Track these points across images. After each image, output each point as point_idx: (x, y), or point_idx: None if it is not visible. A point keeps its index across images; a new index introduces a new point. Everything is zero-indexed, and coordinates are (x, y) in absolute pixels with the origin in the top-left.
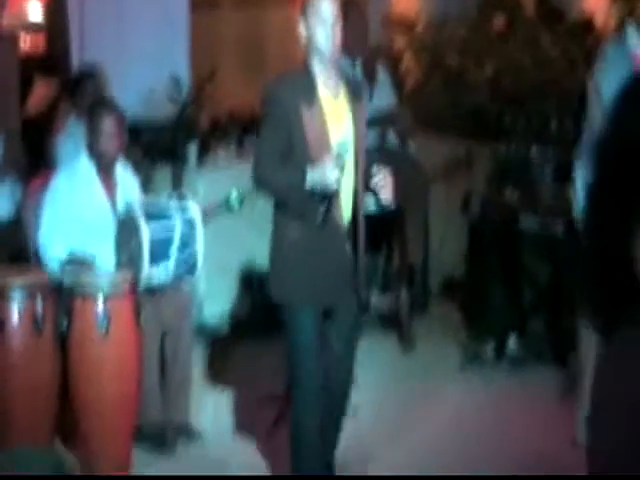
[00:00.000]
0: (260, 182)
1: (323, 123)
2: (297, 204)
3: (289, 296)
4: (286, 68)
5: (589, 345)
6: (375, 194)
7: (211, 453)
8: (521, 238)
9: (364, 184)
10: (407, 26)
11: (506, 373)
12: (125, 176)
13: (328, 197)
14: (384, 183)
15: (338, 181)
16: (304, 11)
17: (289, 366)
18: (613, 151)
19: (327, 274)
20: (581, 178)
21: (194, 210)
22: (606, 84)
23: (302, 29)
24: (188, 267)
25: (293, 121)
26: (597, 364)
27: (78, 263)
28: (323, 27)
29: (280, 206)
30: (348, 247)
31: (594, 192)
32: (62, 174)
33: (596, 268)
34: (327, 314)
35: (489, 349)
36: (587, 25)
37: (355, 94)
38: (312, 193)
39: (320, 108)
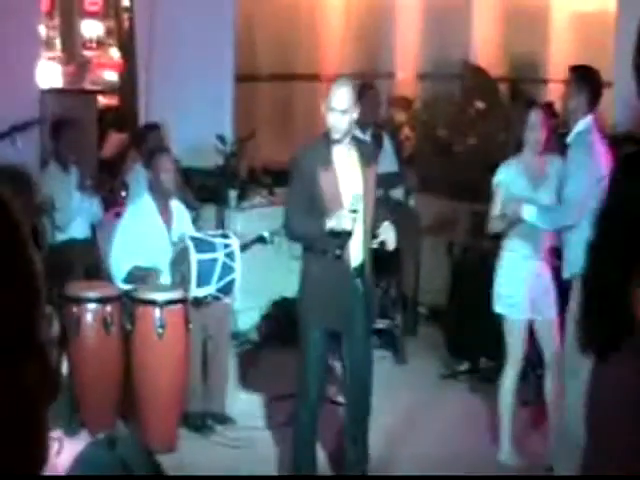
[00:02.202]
0: (291, 231)
1: (337, 183)
2: (318, 243)
3: (304, 318)
4: (310, 131)
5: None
6: (380, 241)
7: (241, 435)
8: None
9: (372, 231)
10: (406, 105)
11: (477, 385)
12: (180, 212)
13: (343, 237)
14: (388, 232)
15: (352, 225)
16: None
17: (298, 371)
18: (615, 217)
19: (337, 303)
20: (578, 237)
21: (234, 244)
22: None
23: (323, 109)
24: (227, 288)
25: (313, 182)
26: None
27: (141, 272)
28: (332, 114)
29: (307, 247)
30: (358, 281)
31: (598, 250)
32: (129, 208)
33: (597, 309)
34: (338, 336)
35: (464, 366)
36: (551, 110)
37: (366, 157)
38: (330, 234)
39: (334, 171)
